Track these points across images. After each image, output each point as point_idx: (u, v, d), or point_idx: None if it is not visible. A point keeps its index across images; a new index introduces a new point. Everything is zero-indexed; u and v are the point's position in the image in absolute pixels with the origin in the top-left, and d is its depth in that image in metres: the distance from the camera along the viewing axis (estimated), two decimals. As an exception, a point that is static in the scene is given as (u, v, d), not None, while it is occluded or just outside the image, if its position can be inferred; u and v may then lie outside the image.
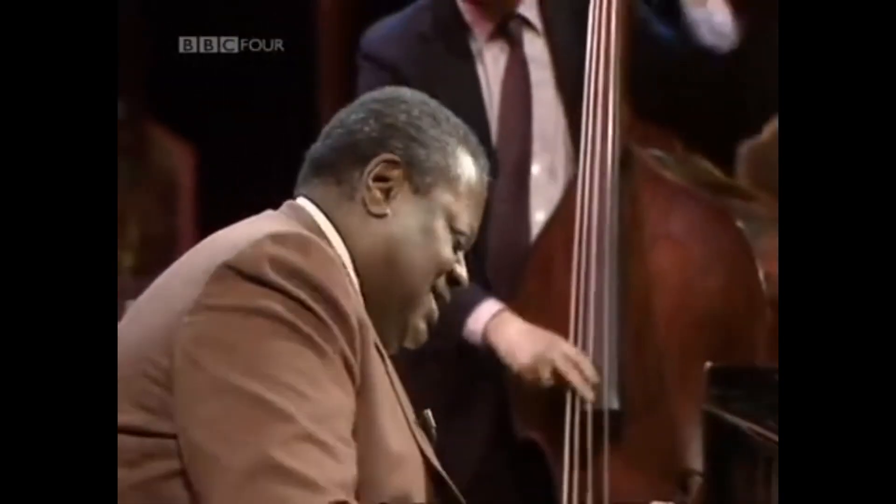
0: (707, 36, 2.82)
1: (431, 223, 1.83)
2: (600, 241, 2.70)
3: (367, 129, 1.82)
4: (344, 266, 1.79)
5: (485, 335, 2.74)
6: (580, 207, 2.70)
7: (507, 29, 2.87)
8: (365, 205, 1.81)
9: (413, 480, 1.75)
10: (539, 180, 2.88)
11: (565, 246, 2.71)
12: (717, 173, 2.86)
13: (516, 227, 2.87)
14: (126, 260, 3.75)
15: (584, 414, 2.68)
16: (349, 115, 1.85)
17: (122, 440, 1.64)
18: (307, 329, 1.64)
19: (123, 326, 1.74)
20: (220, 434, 1.60)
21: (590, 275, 2.70)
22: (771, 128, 3.25)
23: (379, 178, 1.80)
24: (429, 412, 1.87)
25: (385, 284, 1.81)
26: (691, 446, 2.55)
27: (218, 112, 3.84)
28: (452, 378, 2.79)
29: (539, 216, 2.84)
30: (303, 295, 1.65)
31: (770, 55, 2.51)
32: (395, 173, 1.80)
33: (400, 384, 1.80)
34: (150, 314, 1.72)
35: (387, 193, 1.82)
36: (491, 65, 2.89)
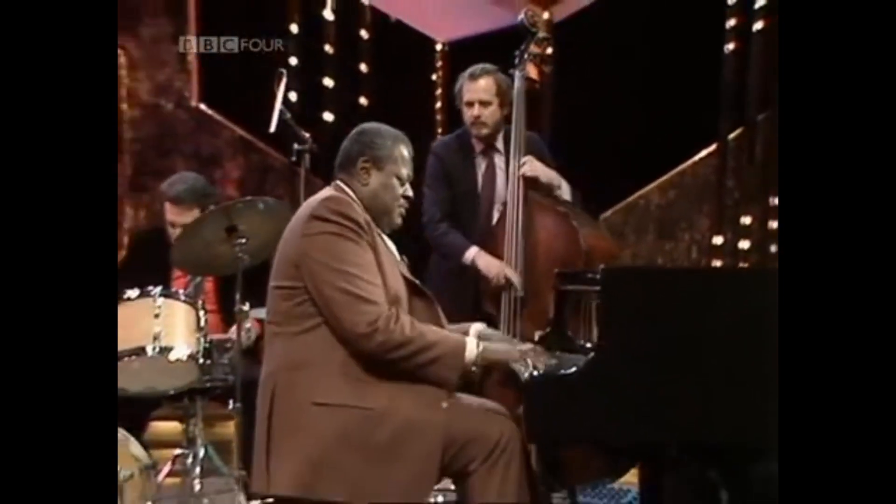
0: None
1: (388, 181, 2.90)
2: (516, 230, 4.01)
3: (354, 149, 2.92)
4: (360, 205, 2.82)
5: (472, 260, 4.12)
6: (509, 217, 4.05)
7: (488, 151, 4.36)
8: (359, 181, 2.88)
9: (400, 296, 2.80)
10: (495, 211, 4.29)
11: (502, 231, 4.07)
12: (564, 199, 4.16)
13: (488, 225, 4.24)
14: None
15: (510, 298, 4.04)
16: (348, 142, 2.89)
17: (281, 291, 2.72)
18: (350, 234, 2.71)
19: (282, 241, 2.78)
20: (332, 286, 2.69)
21: (511, 242, 4.03)
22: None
23: (362, 169, 2.87)
24: (403, 257, 2.92)
25: (375, 210, 2.83)
26: (551, 309, 3.52)
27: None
28: (457, 284, 4.20)
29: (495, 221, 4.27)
30: (344, 221, 2.71)
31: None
32: (368, 165, 2.88)
33: (392, 249, 2.81)
34: (290, 237, 2.77)
35: (367, 174, 2.87)
36: (481, 164, 4.35)
